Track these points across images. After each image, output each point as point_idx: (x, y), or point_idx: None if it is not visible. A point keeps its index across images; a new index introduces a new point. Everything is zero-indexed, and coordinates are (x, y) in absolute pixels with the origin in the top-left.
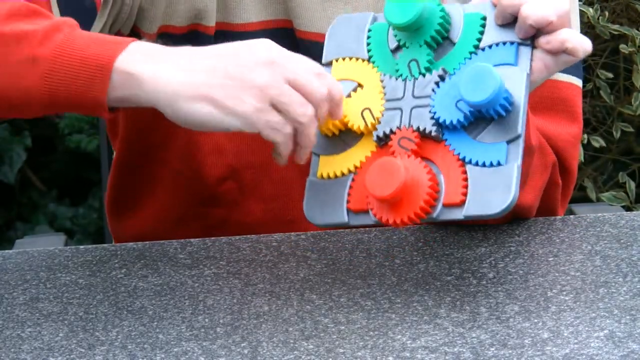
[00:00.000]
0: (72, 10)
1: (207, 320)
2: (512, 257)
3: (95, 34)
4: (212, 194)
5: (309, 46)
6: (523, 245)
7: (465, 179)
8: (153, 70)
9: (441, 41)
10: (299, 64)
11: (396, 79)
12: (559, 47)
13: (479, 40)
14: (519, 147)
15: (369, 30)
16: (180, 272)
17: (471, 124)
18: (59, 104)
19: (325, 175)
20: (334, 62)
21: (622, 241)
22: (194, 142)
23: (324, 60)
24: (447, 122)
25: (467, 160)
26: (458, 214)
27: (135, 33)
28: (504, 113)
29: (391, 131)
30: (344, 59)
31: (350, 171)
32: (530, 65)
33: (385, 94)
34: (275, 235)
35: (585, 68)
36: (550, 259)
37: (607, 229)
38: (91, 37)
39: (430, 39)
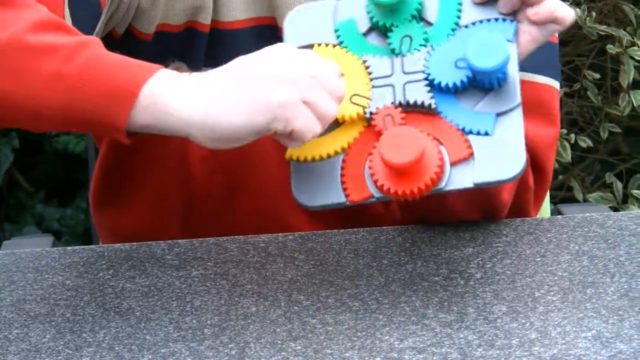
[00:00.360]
0: (79, 6)
1: (194, 321)
2: (500, 257)
3: (122, 57)
4: (200, 191)
5: None
6: (510, 245)
7: (469, 146)
8: (180, 97)
9: (418, 21)
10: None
11: (380, 58)
12: (547, 17)
13: (458, 18)
14: (520, 115)
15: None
16: (168, 273)
17: (466, 96)
18: (76, 123)
19: (310, 157)
20: (315, 47)
21: (609, 241)
22: (183, 138)
23: None
24: (443, 85)
25: (469, 130)
26: (467, 182)
27: (129, 33)
28: (499, 85)
29: (378, 109)
30: (312, 45)
31: (337, 152)
32: (516, 39)
33: (371, 73)
34: (262, 236)
35: (573, 69)
36: (538, 259)
37: (594, 229)
38: (118, 59)
39: (413, 15)
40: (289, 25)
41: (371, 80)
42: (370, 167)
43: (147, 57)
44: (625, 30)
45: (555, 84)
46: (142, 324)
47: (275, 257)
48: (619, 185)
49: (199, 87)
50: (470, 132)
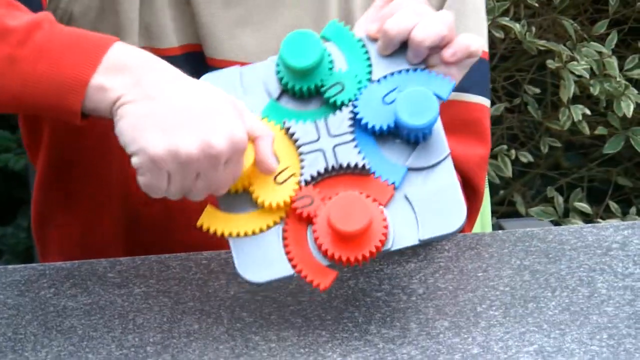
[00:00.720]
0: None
1: (137, 339)
2: (442, 272)
3: (78, 31)
4: (139, 216)
5: None
6: (452, 260)
7: (409, 205)
8: (122, 89)
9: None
10: (226, 173)
11: (303, 122)
12: (464, 55)
13: (370, 73)
14: (451, 165)
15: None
16: (110, 291)
17: (395, 153)
18: (29, 107)
19: (243, 233)
20: None
21: (550, 256)
22: (124, 161)
23: None
24: (377, 128)
25: (405, 186)
26: (413, 240)
27: None
28: (428, 137)
29: (319, 173)
30: None
31: (276, 223)
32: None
33: (297, 140)
34: (205, 253)
35: (513, 84)
36: (480, 274)
37: (535, 243)
38: (72, 37)
39: (325, 78)
40: None
41: (298, 147)
42: (315, 235)
43: None
44: (565, 45)
45: (486, 102)
46: (85, 343)
47: (218, 274)
48: (559, 199)
49: (136, 93)
50: (410, 188)
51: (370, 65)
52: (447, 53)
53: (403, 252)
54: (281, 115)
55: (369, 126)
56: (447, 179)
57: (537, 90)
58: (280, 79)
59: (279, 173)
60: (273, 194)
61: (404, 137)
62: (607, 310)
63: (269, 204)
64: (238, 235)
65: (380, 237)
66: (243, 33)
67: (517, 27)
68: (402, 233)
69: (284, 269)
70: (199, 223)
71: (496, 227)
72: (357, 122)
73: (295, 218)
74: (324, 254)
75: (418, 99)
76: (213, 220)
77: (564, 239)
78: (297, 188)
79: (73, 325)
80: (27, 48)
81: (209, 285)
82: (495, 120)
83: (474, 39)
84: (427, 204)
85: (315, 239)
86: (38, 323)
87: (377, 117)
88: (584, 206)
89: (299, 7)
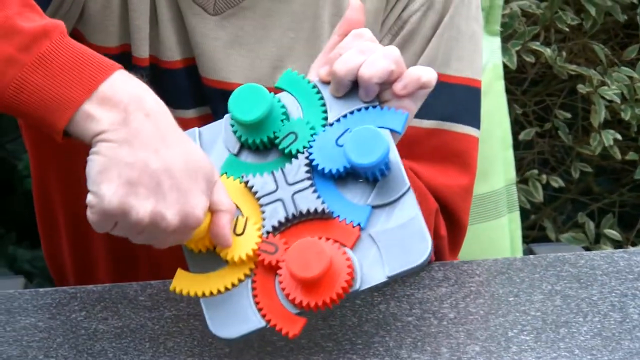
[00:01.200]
0: None
1: None
2: (473, 297)
3: (83, 50)
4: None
5: (212, 93)
6: (484, 285)
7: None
8: (108, 124)
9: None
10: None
11: (261, 175)
12: (415, 86)
13: (325, 118)
14: (413, 198)
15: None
16: (140, 314)
17: (356, 193)
18: (17, 111)
19: (216, 291)
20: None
21: (582, 281)
22: None
23: None
24: (333, 171)
25: (368, 225)
26: (380, 277)
27: (76, 38)
28: (386, 173)
29: (280, 223)
30: None
31: (247, 275)
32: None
33: (256, 192)
34: None
35: (544, 108)
36: (511, 299)
37: (567, 268)
38: (76, 54)
39: (278, 129)
40: None
41: (258, 199)
42: (281, 284)
43: None
44: (595, 69)
45: (475, 132)
46: None
47: None
48: (590, 225)
49: (118, 132)
50: (361, 227)
51: (325, 110)
52: (397, 87)
53: (433, 277)
54: (240, 170)
55: (325, 171)
56: (409, 212)
57: (568, 115)
58: (236, 134)
59: (236, 225)
60: (238, 248)
61: (363, 176)
62: (639, 335)
63: (238, 257)
64: (211, 294)
65: (345, 279)
66: (237, 53)
67: (547, 51)
68: (370, 272)
69: (254, 322)
70: (171, 287)
71: (527, 252)
72: (314, 168)
73: (263, 269)
74: (292, 302)
75: (366, 138)
76: (184, 283)
77: (595, 264)
78: (259, 239)
79: (104, 348)
80: (29, 54)
81: None
82: (526, 145)
83: (425, 70)
84: (390, 240)
85: (282, 289)
86: (69, 346)
87: (331, 161)
88: (614, 233)
89: (292, 29)
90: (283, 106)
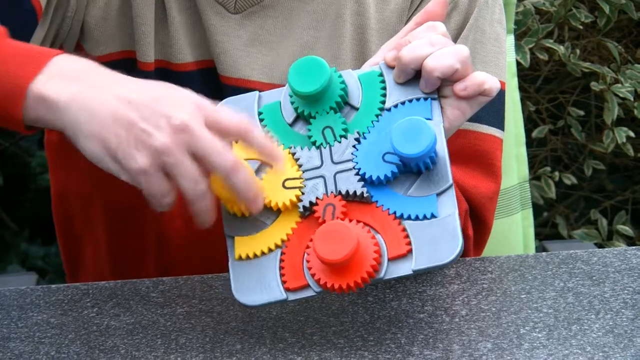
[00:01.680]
0: (8, 12)
1: (179, 359)
2: (485, 294)
3: (22, 45)
4: (163, 234)
5: (231, 92)
6: (495, 282)
7: (406, 235)
8: (65, 98)
9: (342, 107)
10: (207, 137)
11: (309, 149)
12: (476, 91)
13: (383, 102)
14: (453, 196)
15: (260, 113)
16: (152, 311)
17: (398, 181)
18: None
19: (245, 256)
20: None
21: (594, 278)
22: None
23: None
24: (374, 178)
25: (403, 216)
26: (406, 269)
27: (79, 53)
28: (431, 166)
29: (317, 199)
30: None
31: (277, 246)
32: (442, 116)
33: (301, 165)
34: None
35: (557, 106)
36: (523, 296)
37: (579, 265)
38: (15, 49)
39: (334, 105)
40: None
41: (302, 172)
42: (307, 262)
43: None
44: (609, 67)
45: (500, 134)
46: None
47: None
48: (603, 222)
49: (85, 94)
50: (409, 218)
51: (384, 95)
52: (459, 87)
53: (445, 274)
54: (291, 140)
55: (373, 178)
56: (447, 209)
57: (581, 113)
58: (293, 104)
59: (288, 179)
60: (281, 195)
61: (408, 167)
62: None
63: (276, 203)
64: (240, 257)
65: (372, 264)
66: (257, 52)
67: (561, 49)
68: (397, 263)
69: (277, 294)
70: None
71: (539, 249)
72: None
73: (297, 235)
74: (316, 280)
75: (413, 128)
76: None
77: (607, 261)
78: (300, 192)
79: (116, 344)
80: None
81: None
82: (539, 142)
83: (490, 78)
84: (423, 234)
85: (309, 268)
86: (81, 342)
87: (376, 168)
88: (627, 229)
89: (313, 28)
90: (343, 82)
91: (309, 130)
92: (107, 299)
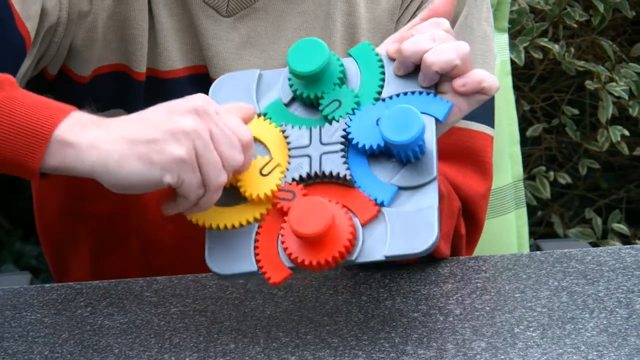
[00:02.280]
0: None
1: (173, 358)
2: (479, 293)
3: (36, 97)
4: (153, 241)
5: None
6: (490, 281)
7: (378, 209)
8: (87, 140)
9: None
10: (229, 120)
11: (299, 128)
12: (475, 88)
13: (379, 92)
14: (436, 190)
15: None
16: (146, 310)
17: (383, 169)
18: None
19: (222, 226)
20: None
21: (588, 277)
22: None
23: None
24: (367, 147)
25: (385, 203)
26: (379, 255)
27: (63, 74)
28: (419, 156)
29: (301, 177)
30: None
31: (254, 219)
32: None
33: (289, 143)
34: None
35: (551, 104)
36: (517, 295)
37: (573, 264)
38: (33, 100)
39: (328, 90)
40: (213, 93)
41: (289, 150)
42: (282, 238)
43: (81, 99)
44: (603, 66)
45: (490, 131)
46: None
47: (254, 293)
48: (598, 221)
49: (105, 132)
50: (383, 204)
51: (382, 85)
52: (457, 83)
53: (439, 273)
54: (283, 118)
55: (359, 145)
56: (427, 201)
57: (576, 111)
58: (292, 87)
59: (265, 165)
60: (259, 186)
61: (395, 156)
62: None
63: (256, 195)
64: (218, 227)
65: (344, 244)
66: (250, 54)
67: (555, 47)
68: (371, 248)
69: (248, 265)
70: (188, 216)
71: (534, 247)
72: (351, 140)
73: (272, 216)
74: (287, 255)
75: (403, 116)
76: (198, 214)
77: (602, 260)
78: (280, 183)
79: (109, 344)
80: None
81: (245, 304)
82: (534, 141)
83: (489, 77)
84: (401, 222)
85: (282, 242)
86: (74, 342)
87: (367, 137)
88: (622, 227)
89: (304, 29)
90: (342, 67)
91: (320, 105)
92: (101, 298)
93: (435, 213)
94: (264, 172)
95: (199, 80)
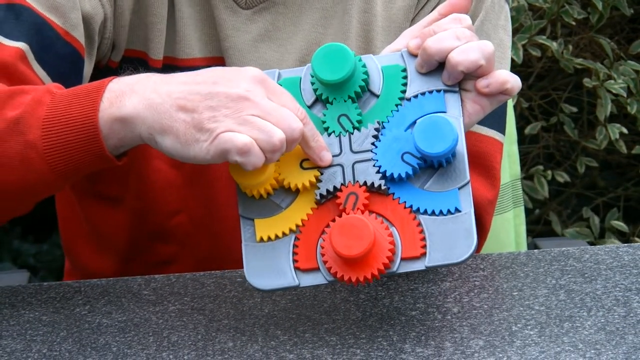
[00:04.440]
0: (52, 60)
1: (171, 356)
2: (477, 291)
3: (73, 90)
4: (162, 229)
5: None
6: (487, 279)
7: (421, 230)
8: (129, 111)
9: (362, 95)
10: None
11: (328, 136)
12: (498, 89)
13: (403, 91)
14: (470, 194)
15: None
16: (144, 309)
17: (418, 175)
18: (71, 175)
19: (264, 238)
20: None
21: (586, 275)
22: (145, 176)
23: None
24: (396, 176)
25: (420, 210)
26: (419, 265)
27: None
28: (452, 160)
29: (335, 188)
30: None
31: (291, 231)
32: (462, 110)
33: None
34: (239, 270)
35: (549, 102)
36: (515, 294)
37: (571, 263)
38: (70, 97)
39: (354, 94)
40: None
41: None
42: (322, 247)
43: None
44: (602, 63)
45: (500, 137)
46: None
47: (252, 292)
48: (595, 220)
49: (148, 92)
50: (425, 212)
51: (405, 84)
52: (481, 83)
53: (437, 271)
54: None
55: (394, 176)
56: (463, 207)
57: (574, 109)
58: (313, 86)
59: (306, 159)
60: (299, 177)
61: (428, 162)
62: None
63: (294, 184)
64: (262, 239)
65: (385, 260)
66: (266, 47)
67: (554, 45)
68: (411, 260)
69: (289, 279)
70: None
71: (532, 246)
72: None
73: (309, 227)
74: (328, 269)
75: (436, 126)
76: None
77: (599, 259)
78: (318, 174)
79: (107, 342)
80: (35, 128)
81: (243, 303)
82: (532, 139)
83: (512, 78)
84: (438, 230)
85: (322, 254)
86: (73, 340)
87: (395, 165)
88: (621, 224)
89: (322, 25)
90: (365, 71)
91: (324, 115)
92: (99, 296)
93: (472, 219)
94: (305, 165)
95: None
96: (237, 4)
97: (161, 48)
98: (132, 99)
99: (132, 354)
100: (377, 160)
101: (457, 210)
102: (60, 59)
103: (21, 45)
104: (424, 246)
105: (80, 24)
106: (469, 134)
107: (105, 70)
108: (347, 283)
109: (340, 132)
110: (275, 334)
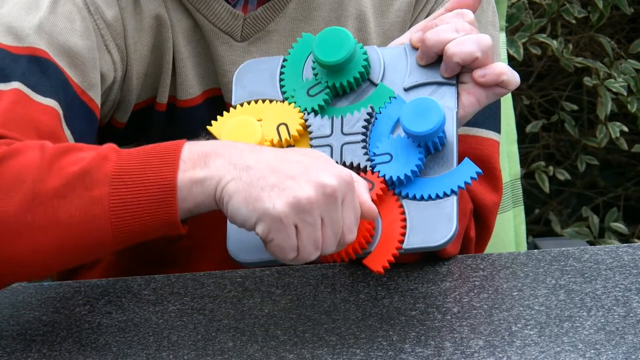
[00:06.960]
0: (75, 119)
1: (171, 356)
2: (477, 291)
3: (142, 149)
4: (163, 253)
5: None
6: (487, 279)
7: (402, 212)
8: (212, 173)
9: (361, 83)
10: (347, 212)
11: (321, 117)
12: (494, 80)
13: (402, 80)
14: None
15: (282, 73)
16: (144, 308)
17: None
18: (128, 238)
19: None
20: (252, 103)
21: (586, 275)
22: None
23: (233, 103)
24: (402, 177)
25: (402, 194)
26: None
27: (108, 123)
28: (439, 147)
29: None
30: (256, 101)
31: None
32: (457, 102)
33: (311, 132)
34: (239, 271)
35: (550, 101)
36: (515, 294)
37: (571, 263)
38: (141, 155)
39: (352, 79)
40: (237, 79)
41: (311, 139)
42: None
43: (120, 139)
44: (602, 62)
45: (497, 137)
46: None
47: (252, 291)
48: (595, 220)
49: (228, 163)
50: (406, 197)
51: (404, 73)
52: (477, 73)
53: (437, 271)
54: (306, 105)
55: (394, 179)
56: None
57: (575, 107)
58: (314, 72)
59: (282, 124)
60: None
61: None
62: None
63: (271, 140)
64: None
65: (363, 237)
66: None
67: (554, 44)
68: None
69: (268, 254)
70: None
71: (531, 246)
72: (373, 123)
73: None
74: None
75: (423, 107)
76: None
77: (599, 259)
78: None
79: (107, 342)
80: (102, 183)
81: (243, 303)
82: (532, 138)
83: (509, 71)
84: (420, 214)
85: None
86: (73, 340)
87: (391, 167)
88: (620, 226)
89: None
90: (366, 55)
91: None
92: (99, 296)
93: (455, 206)
94: (280, 130)
95: (214, 104)
96: (233, 37)
97: (166, 91)
98: (216, 163)
99: (132, 354)
100: (380, 171)
101: (439, 196)
102: (80, 118)
103: (53, 104)
104: (404, 227)
105: (97, 84)
106: (468, 138)
107: (106, 129)
108: (325, 261)
109: (306, 109)
110: (275, 334)
